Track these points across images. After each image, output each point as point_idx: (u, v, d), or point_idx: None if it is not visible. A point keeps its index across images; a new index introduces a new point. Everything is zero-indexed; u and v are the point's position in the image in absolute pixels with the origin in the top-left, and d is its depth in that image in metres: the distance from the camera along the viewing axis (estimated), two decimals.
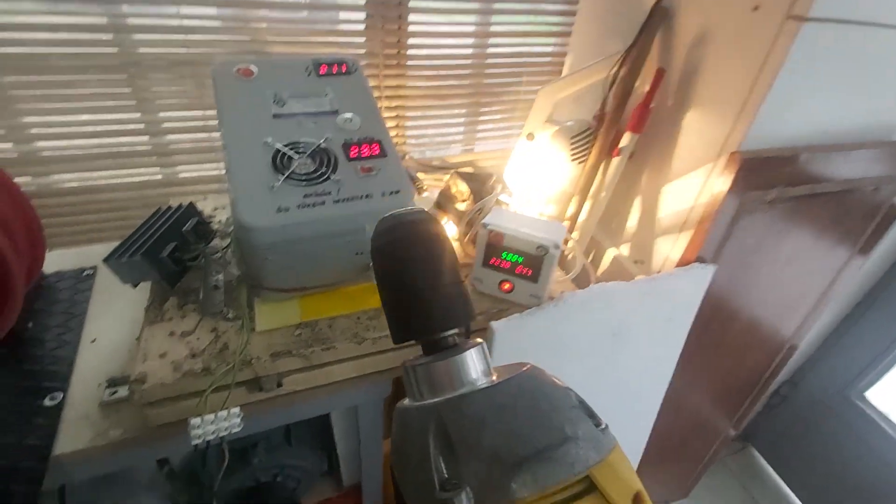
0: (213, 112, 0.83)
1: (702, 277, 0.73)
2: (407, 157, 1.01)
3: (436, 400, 0.25)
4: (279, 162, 0.52)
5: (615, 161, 0.76)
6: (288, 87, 0.59)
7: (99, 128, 0.78)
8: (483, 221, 0.62)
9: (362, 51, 0.90)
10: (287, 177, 0.51)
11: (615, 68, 0.75)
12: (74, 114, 0.76)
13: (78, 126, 0.77)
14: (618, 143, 0.75)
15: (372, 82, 0.90)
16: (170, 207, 0.65)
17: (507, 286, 0.65)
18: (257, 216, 0.48)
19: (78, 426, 0.50)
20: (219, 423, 0.48)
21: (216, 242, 0.67)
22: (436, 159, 1.08)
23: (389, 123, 0.99)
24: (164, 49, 0.77)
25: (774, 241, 0.79)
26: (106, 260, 0.55)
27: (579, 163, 0.80)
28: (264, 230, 0.48)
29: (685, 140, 0.73)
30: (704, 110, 0.69)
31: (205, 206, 0.77)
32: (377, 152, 0.56)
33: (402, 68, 0.93)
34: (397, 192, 0.54)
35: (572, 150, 0.80)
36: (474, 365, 0.26)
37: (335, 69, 0.63)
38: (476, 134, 1.12)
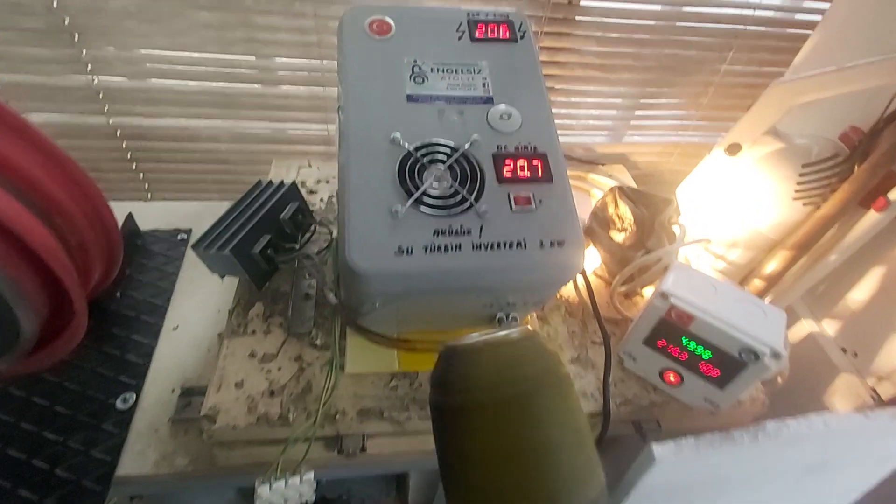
0: (328, 63, 0.70)
1: None
2: None
3: None
4: (408, 173, 0.37)
5: (870, 216, 0.51)
6: (432, 52, 0.42)
7: (210, 68, 0.69)
8: (663, 289, 0.44)
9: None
10: (415, 199, 0.36)
11: None
12: (183, 50, 0.67)
13: (188, 65, 0.68)
14: (886, 190, 0.50)
15: None
16: (270, 183, 0.55)
17: (672, 378, 0.47)
18: (370, 257, 0.34)
19: (145, 442, 0.44)
20: (289, 491, 0.40)
21: (314, 230, 0.56)
22: (575, 146, 0.86)
23: None
24: None
25: None
26: (195, 247, 0.48)
27: (805, 204, 0.56)
28: (377, 277, 0.34)
29: None
30: None
31: (308, 177, 0.67)
32: (541, 175, 0.39)
33: (570, 25, 0.71)
34: (561, 242, 0.38)
35: (800, 183, 0.55)
36: None
37: (494, 31, 0.45)
38: (630, 122, 0.87)
